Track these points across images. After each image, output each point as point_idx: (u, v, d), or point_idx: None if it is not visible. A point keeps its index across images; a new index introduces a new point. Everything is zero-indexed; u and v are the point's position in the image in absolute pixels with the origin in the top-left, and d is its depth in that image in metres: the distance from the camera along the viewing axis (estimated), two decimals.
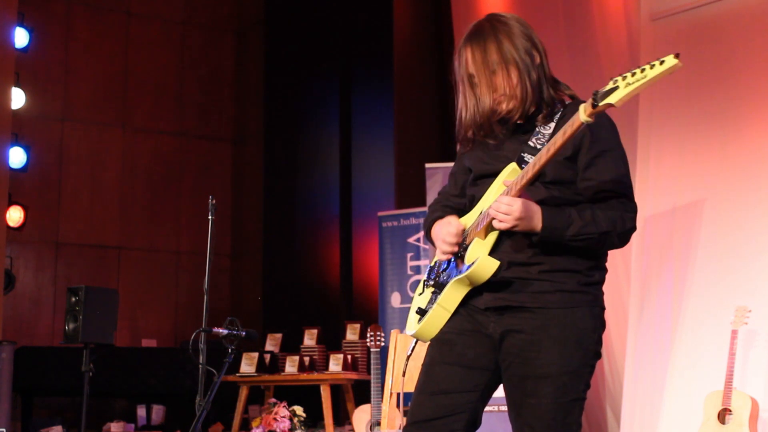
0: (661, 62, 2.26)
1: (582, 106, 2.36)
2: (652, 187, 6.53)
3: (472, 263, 2.57)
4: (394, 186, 9.08)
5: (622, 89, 2.30)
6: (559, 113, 2.64)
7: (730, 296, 5.86)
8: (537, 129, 2.63)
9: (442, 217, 2.79)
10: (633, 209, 2.61)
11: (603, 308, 2.65)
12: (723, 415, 5.40)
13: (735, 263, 6.01)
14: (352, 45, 9.68)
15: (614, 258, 6.78)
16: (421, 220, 8.13)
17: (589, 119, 2.36)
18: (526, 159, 2.60)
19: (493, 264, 2.56)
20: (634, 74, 2.29)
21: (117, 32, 10.49)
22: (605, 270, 2.68)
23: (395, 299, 8.17)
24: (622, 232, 2.58)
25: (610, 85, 2.33)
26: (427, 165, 7.93)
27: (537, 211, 2.53)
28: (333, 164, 9.69)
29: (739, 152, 6.15)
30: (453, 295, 2.65)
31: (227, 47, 11.18)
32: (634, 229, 2.61)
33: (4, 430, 7.08)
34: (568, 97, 2.72)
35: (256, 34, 10.92)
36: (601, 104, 2.32)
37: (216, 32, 11.12)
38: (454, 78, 2.73)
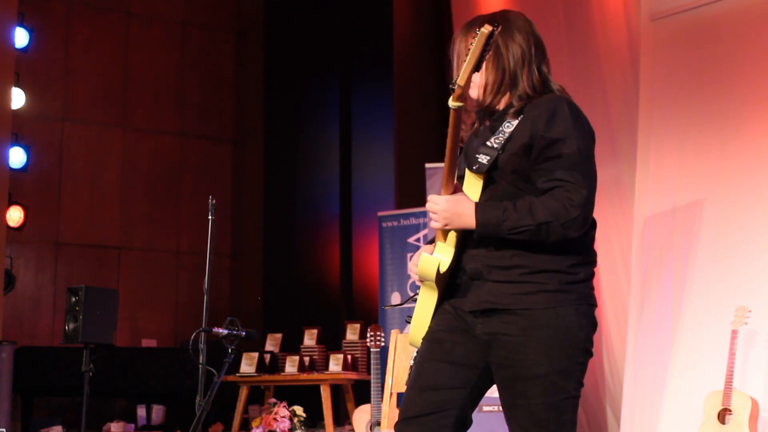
0: (480, 33, 2.40)
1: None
2: (652, 187, 6.54)
3: None
4: (394, 186, 9.08)
5: (462, 69, 2.44)
6: (523, 113, 2.62)
7: (730, 296, 5.86)
8: (500, 127, 2.62)
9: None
10: (580, 197, 2.49)
11: (592, 305, 2.63)
12: (723, 415, 5.40)
13: (735, 263, 6.01)
14: (352, 45, 9.68)
15: (614, 258, 6.79)
16: (421, 220, 8.15)
17: (456, 103, 2.47)
18: (479, 159, 2.59)
19: (433, 260, 2.59)
20: (468, 51, 2.43)
21: (117, 32, 10.49)
22: (592, 265, 2.65)
23: (395, 299, 8.17)
24: (566, 222, 2.48)
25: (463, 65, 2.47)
26: (427, 165, 7.93)
27: (468, 207, 2.54)
28: (333, 164, 9.69)
29: (738, 152, 6.15)
30: (424, 298, 2.69)
31: (227, 47, 11.18)
32: (581, 217, 2.50)
33: (4, 430, 7.08)
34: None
35: (256, 34, 10.92)
36: (455, 88, 2.45)
37: (216, 32, 11.12)
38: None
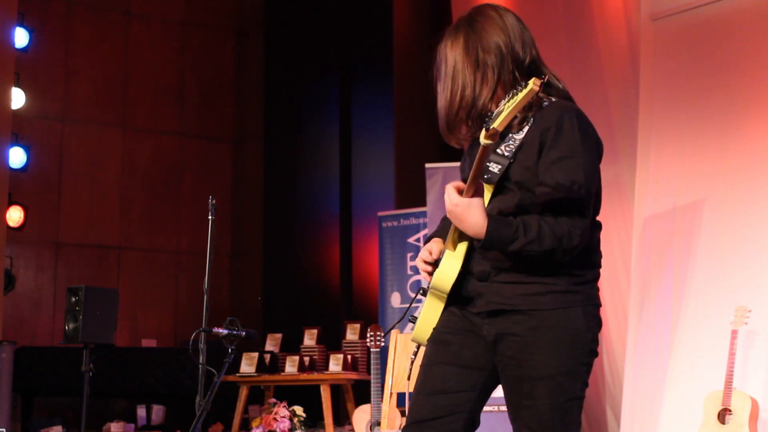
0: (525, 86, 2.36)
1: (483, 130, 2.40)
2: (652, 187, 6.53)
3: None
4: (394, 186, 9.08)
5: (503, 113, 2.37)
6: (532, 119, 2.59)
7: (730, 296, 5.86)
8: (510, 134, 2.58)
9: (436, 234, 2.82)
10: (582, 225, 2.52)
11: (598, 305, 2.63)
12: (723, 415, 5.40)
13: (735, 263, 6.01)
14: (352, 45, 9.68)
15: (614, 258, 6.78)
16: (421, 220, 8.15)
17: (487, 141, 2.38)
18: (490, 168, 2.57)
19: (450, 276, 2.59)
20: (512, 96, 2.38)
21: (117, 32, 10.50)
22: (598, 266, 2.66)
23: (395, 299, 8.17)
24: (567, 248, 2.50)
25: (500, 108, 2.41)
26: (427, 165, 7.93)
27: (476, 218, 2.50)
28: (333, 164, 9.69)
29: (739, 152, 6.15)
30: (431, 305, 2.70)
31: (227, 47, 11.18)
32: (581, 246, 2.53)
33: (4, 430, 7.08)
34: (553, 98, 2.65)
35: (256, 34, 10.92)
36: (491, 128, 2.36)
37: (216, 32, 11.12)
38: (434, 72, 2.76)
